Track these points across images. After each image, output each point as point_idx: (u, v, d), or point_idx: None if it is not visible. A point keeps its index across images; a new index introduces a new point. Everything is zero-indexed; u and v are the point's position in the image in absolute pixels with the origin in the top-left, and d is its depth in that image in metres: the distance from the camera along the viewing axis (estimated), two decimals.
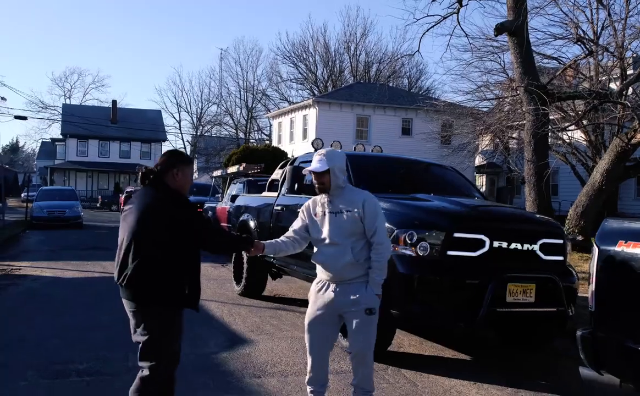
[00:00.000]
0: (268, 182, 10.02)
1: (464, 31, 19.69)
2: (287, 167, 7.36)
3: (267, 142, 47.77)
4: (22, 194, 45.85)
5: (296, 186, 7.03)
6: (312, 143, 8.82)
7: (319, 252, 4.07)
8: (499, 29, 15.99)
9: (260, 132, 57.71)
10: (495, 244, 5.67)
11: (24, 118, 38.55)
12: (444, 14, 17.35)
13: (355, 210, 3.93)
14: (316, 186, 4.07)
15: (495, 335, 7.08)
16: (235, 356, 5.95)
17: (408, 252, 5.63)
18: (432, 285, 5.59)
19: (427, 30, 18.11)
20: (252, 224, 9.28)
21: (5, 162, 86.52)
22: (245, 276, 9.20)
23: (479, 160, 38.58)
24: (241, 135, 56.30)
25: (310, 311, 4.12)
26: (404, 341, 6.71)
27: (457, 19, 17.08)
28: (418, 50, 20.07)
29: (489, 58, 24.42)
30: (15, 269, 11.95)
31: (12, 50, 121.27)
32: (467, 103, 28.19)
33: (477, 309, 5.48)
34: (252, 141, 54.59)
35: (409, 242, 5.63)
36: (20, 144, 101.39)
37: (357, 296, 3.92)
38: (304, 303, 9.16)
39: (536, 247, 5.85)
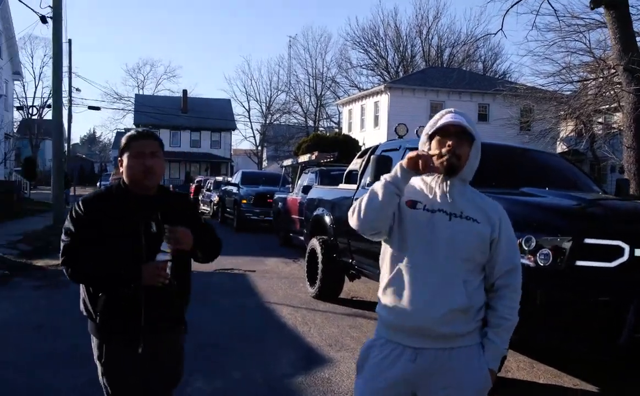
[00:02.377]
0: (345, 173, 9.08)
1: (552, 7, 17.91)
2: (372, 157, 6.39)
3: (337, 130, 46.86)
4: (98, 184, 46.81)
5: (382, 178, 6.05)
6: (396, 129, 7.84)
7: (399, 279, 2.37)
8: (597, 1, 14.47)
9: (329, 120, 56.89)
10: (637, 252, 4.52)
11: (98, 108, 39.19)
12: None
13: (488, 225, 2.41)
14: (441, 160, 2.37)
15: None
16: (312, 382, 5.04)
17: (524, 261, 4.55)
18: (557, 304, 4.49)
19: (512, 6, 16.76)
20: (327, 219, 8.40)
21: (83, 153, 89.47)
22: (320, 277, 8.33)
23: (560, 147, 36.46)
24: (310, 123, 55.62)
25: (367, 390, 2.44)
26: (512, 364, 5.64)
27: None
28: (501, 29, 18.74)
29: (572, 38, 22.74)
30: None
31: (88, 43, 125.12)
32: (549, 86, 26.49)
33: (615, 335, 4.36)
34: (321, 129, 53.82)
35: (527, 249, 4.55)
36: (97, 135, 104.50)
37: (462, 374, 2.34)
38: None
39: None
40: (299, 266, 11.52)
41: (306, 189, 12.30)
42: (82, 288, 2.75)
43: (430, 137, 2.44)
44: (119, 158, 2.77)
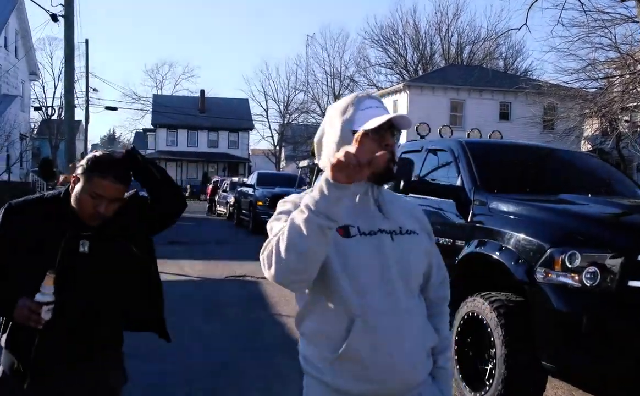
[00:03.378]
0: None
1: (580, 1, 17.21)
2: None
3: None
4: None
5: (402, 183, 5.47)
6: (417, 129, 7.26)
7: (360, 335, 1.78)
8: None
9: None
10: None
11: (114, 109, 38.94)
12: None
13: (425, 233, 2.00)
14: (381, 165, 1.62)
15: None
16: None
17: (567, 280, 3.97)
18: (606, 329, 3.91)
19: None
20: None
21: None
22: None
23: (585, 146, 35.54)
24: None
25: None
26: (549, 392, 5.02)
27: None
28: (525, 24, 18.12)
29: (597, 33, 21.99)
30: None
31: (106, 44, 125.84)
32: (573, 83, 25.71)
33: None
34: None
35: (570, 266, 3.96)
36: (117, 135, 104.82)
37: None
38: None
39: None
40: None
41: None
42: None
43: (353, 133, 1.77)
44: (77, 172, 2.30)
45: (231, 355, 5.88)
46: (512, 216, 4.65)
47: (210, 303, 8.23)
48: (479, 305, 4.53)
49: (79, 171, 2.27)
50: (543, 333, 4.11)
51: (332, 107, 1.97)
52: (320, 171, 8.31)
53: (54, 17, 17.70)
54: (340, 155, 1.50)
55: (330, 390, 1.83)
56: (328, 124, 1.94)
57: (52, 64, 68.23)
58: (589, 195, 4.98)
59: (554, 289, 4.01)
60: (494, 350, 4.34)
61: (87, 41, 36.22)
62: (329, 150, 1.93)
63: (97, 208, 2.23)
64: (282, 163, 60.65)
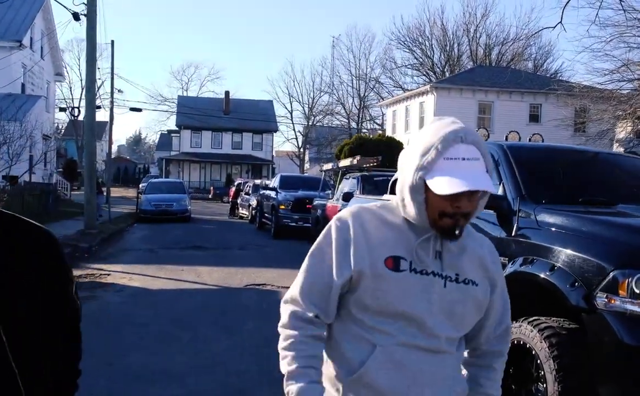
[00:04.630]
0: (391, 182, 7.95)
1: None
2: None
3: (380, 131, 45.67)
4: (140, 185, 46.71)
5: None
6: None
7: (377, 357, 1.65)
8: None
9: (372, 121, 55.71)
10: None
11: (139, 110, 38.92)
12: None
13: (486, 282, 1.76)
14: (447, 223, 1.64)
15: None
16: None
17: (636, 308, 3.38)
18: None
19: None
20: None
21: (128, 154, 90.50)
22: None
23: (617, 150, 34.56)
24: (353, 125, 54.56)
25: None
26: None
27: None
28: (560, 22, 17.39)
29: (632, 33, 21.20)
30: (104, 274, 10.70)
31: (133, 46, 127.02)
32: (606, 85, 24.87)
33: None
34: (364, 130, 52.67)
35: (639, 292, 3.38)
36: (143, 136, 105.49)
37: None
38: None
39: None
40: None
41: (347, 197, 11.27)
42: None
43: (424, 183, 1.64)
44: None
45: (247, 381, 5.35)
46: (564, 231, 4.06)
47: (226, 317, 7.74)
48: (525, 332, 3.95)
49: None
50: (605, 370, 3.52)
51: (426, 129, 1.68)
52: (344, 174, 7.60)
53: (76, 16, 17.45)
54: None
55: None
56: (411, 149, 1.67)
57: (79, 66, 68.76)
58: None
59: (619, 319, 3.42)
60: (544, 385, 3.76)
61: (112, 42, 35.92)
62: (401, 183, 1.69)
63: None
64: (306, 165, 60.27)
